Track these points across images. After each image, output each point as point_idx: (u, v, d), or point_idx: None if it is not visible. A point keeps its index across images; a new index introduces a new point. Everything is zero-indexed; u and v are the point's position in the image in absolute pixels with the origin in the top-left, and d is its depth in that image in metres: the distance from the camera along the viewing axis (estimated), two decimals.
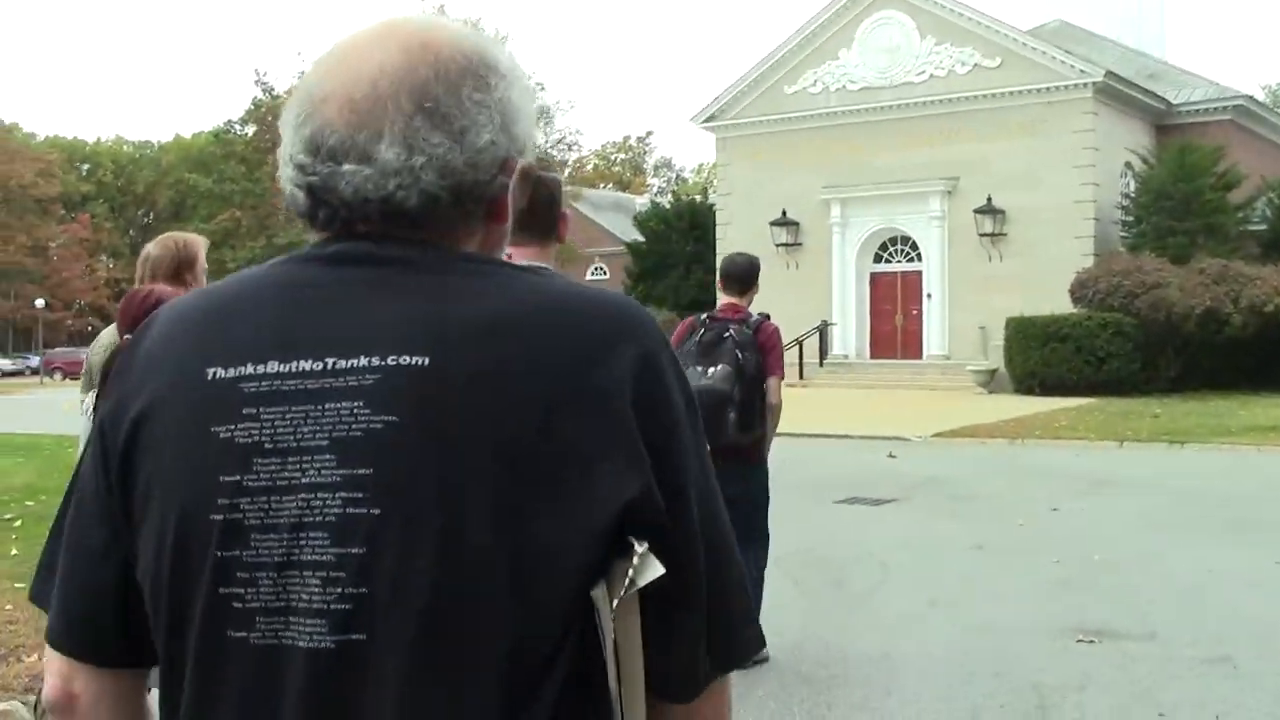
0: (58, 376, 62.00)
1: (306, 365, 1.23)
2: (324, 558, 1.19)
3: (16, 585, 7.48)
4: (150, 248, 4.77)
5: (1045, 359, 29.55)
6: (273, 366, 1.25)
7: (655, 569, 1.20)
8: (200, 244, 4.77)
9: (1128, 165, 35.23)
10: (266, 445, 1.23)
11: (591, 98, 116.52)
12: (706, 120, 40.46)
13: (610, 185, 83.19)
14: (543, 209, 3.09)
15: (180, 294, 2.90)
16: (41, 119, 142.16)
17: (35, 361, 69.38)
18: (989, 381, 31.47)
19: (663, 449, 1.24)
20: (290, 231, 62.01)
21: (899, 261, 37.50)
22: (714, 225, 40.74)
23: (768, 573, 7.17)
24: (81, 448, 2.09)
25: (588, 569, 1.19)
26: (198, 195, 71.99)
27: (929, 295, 36.17)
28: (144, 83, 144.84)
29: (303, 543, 1.20)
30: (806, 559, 9.68)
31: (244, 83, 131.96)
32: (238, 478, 1.23)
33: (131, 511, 1.29)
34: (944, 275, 35.79)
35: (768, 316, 6.61)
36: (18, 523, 10.68)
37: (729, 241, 38.69)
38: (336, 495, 1.19)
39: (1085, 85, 33.70)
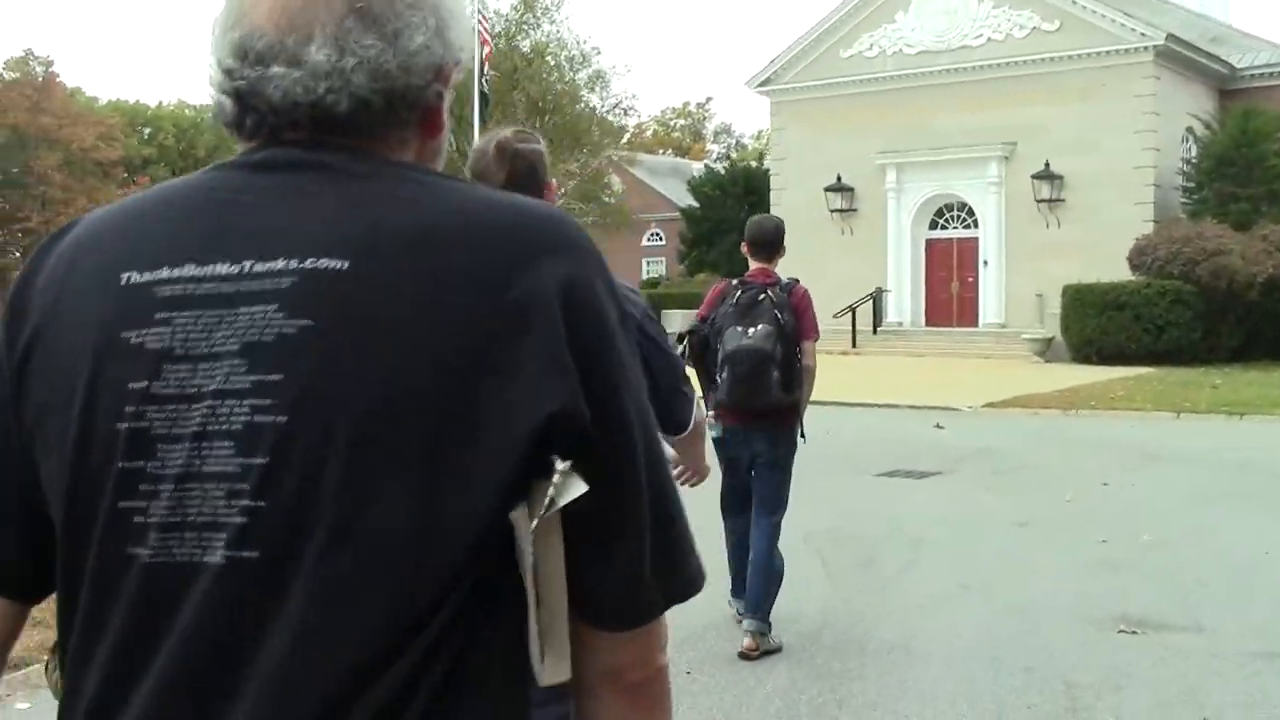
0: None
1: (223, 269, 1.20)
2: (227, 468, 1.15)
3: None
4: None
5: (1103, 327, 28.92)
6: (189, 270, 1.21)
7: (577, 487, 1.16)
8: None
9: (1189, 130, 34.43)
10: (178, 351, 1.19)
11: (649, 63, 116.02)
12: (761, 85, 39.94)
13: (669, 151, 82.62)
14: (523, 180, 3.06)
15: None
16: (104, 84, 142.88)
17: None
18: (1045, 350, 30.89)
19: (593, 363, 1.20)
20: None
21: (955, 228, 36.88)
22: (769, 191, 40.27)
23: (794, 550, 7.12)
24: None
25: (507, 486, 1.15)
26: None
27: (985, 262, 35.55)
28: (206, 46, 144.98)
29: (205, 452, 1.16)
30: (837, 536, 9.41)
31: None
32: (146, 384, 1.19)
33: (27, 422, 1.25)
34: (1000, 242, 35.16)
35: (797, 281, 6.57)
36: None
37: (784, 207, 38.35)
38: (244, 402, 1.15)
39: (1146, 49, 32.87)
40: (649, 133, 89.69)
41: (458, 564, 1.14)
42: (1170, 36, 33.26)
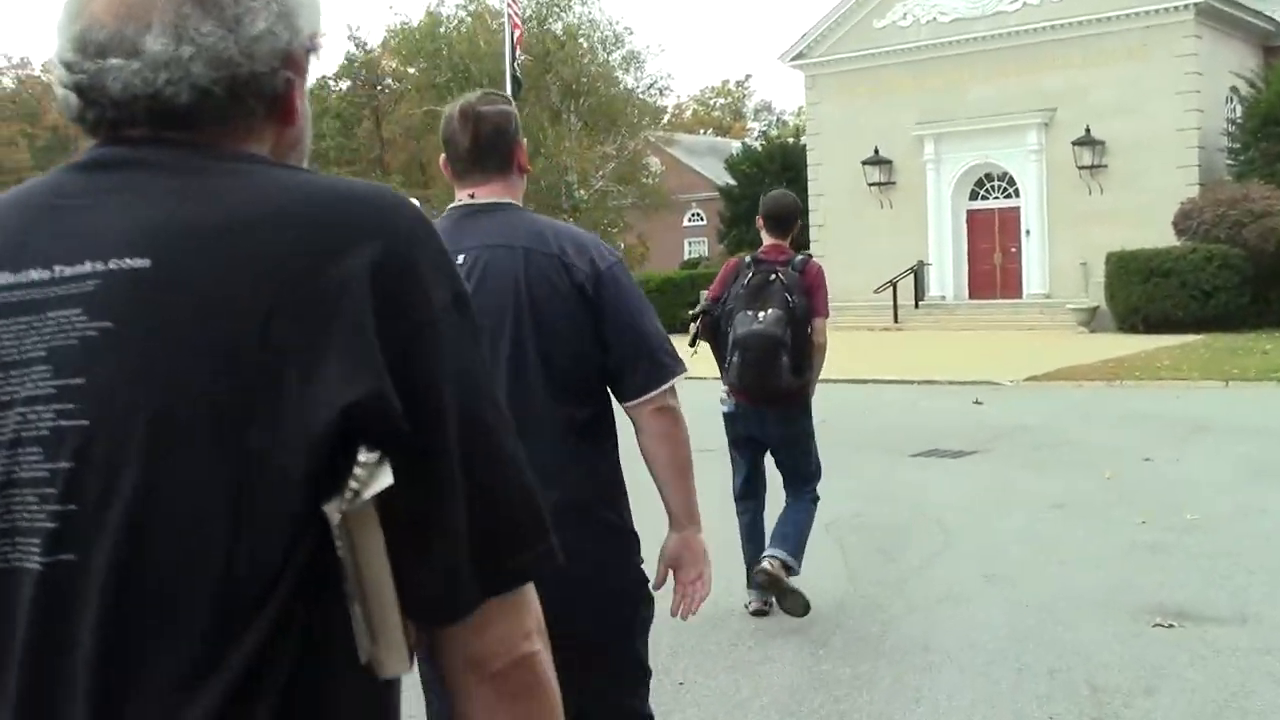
0: None
1: (36, 274, 1.20)
2: (38, 474, 1.15)
3: None
4: None
5: (1148, 295, 28.13)
6: (5, 278, 1.21)
7: (383, 479, 1.14)
8: None
9: (1233, 90, 33.55)
10: None
11: (684, 43, 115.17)
12: (795, 59, 39.42)
13: (710, 131, 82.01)
14: (489, 142, 3.00)
15: None
16: None
17: None
18: (1090, 320, 30.18)
19: (409, 350, 1.18)
20: (386, 185, 62.30)
21: (996, 198, 36.23)
22: (806, 166, 39.74)
23: (815, 541, 6.90)
24: None
25: (313, 480, 1.13)
26: None
27: (1027, 232, 34.91)
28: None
29: (20, 459, 1.16)
30: (861, 523, 8.96)
31: (338, 38, 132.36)
32: None
33: None
34: (1042, 211, 34.51)
35: (811, 256, 6.59)
36: None
37: (821, 183, 38.04)
38: (50, 407, 1.16)
39: (1187, 7, 32.00)
40: (689, 113, 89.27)
41: (275, 559, 1.12)
42: None
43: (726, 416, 6.60)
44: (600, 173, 49.43)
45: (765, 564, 6.35)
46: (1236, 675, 5.47)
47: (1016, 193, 35.42)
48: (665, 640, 5.51)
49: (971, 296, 36.13)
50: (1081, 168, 33.22)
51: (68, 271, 1.18)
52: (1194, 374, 19.06)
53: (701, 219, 57.22)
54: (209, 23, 1.22)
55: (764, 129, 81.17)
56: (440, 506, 1.20)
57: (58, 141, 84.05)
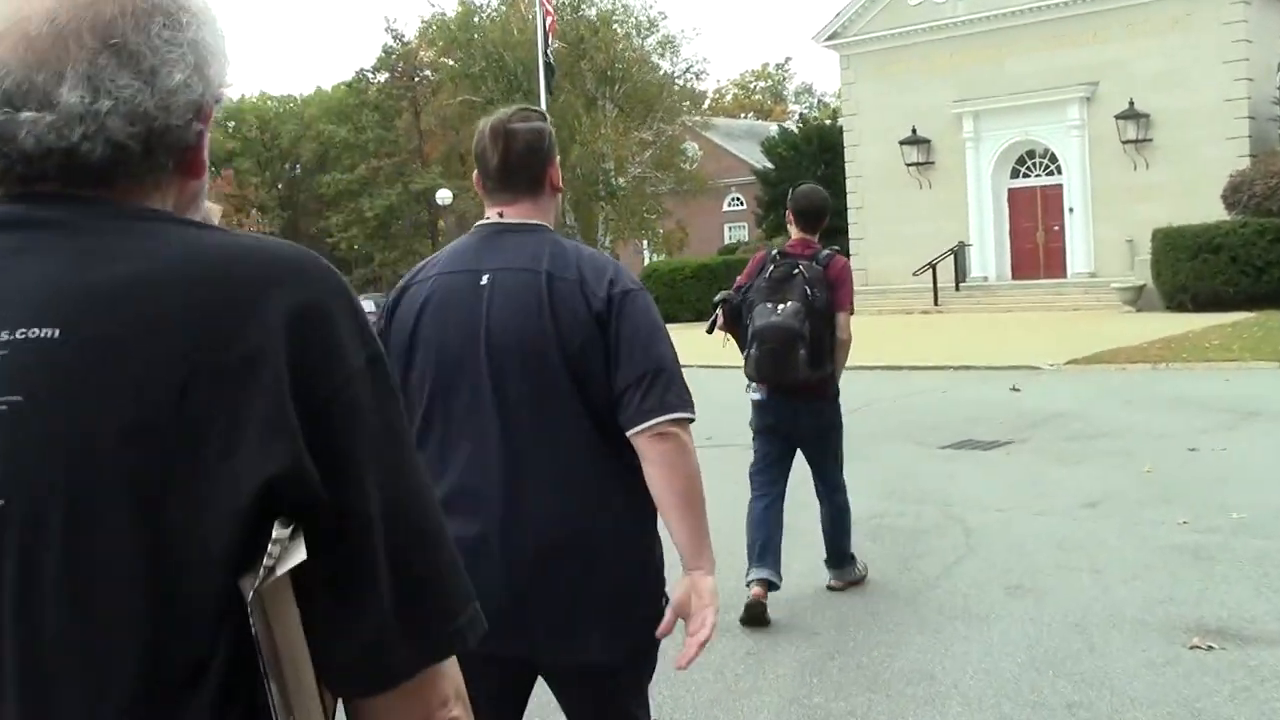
0: None
1: None
2: None
3: None
4: None
5: (1197, 272, 27.10)
6: None
7: (297, 553, 1.11)
8: (214, 211, 4.51)
9: None
10: None
11: (721, 26, 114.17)
12: (829, 38, 38.67)
13: (751, 115, 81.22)
14: (520, 161, 2.90)
15: None
16: None
17: None
18: (1136, 299, 29.19)
19: (325, 414, 1.15)
20: (426, 177, 62.16)
21: (1038, 175, 35.34)
22: (843, 148, 38.98)
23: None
24: None
25: (233, 557, 1.10)
26: (337, 146, 73.27)
27: (1071, 210, 34.01)
28: (286, 37, 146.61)
29: None
30: (879, 526, 8.31)
31: (376, 30, 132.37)
32: None
33: None
34: (1086, 187, 33.60)
35: (837, 251, 6.57)
36: None
37: (859, 164, 37.38)
38: None
39: None
40: (729, 97, 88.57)
41: (203, 637, 1.10)
42: None
43: (756, 405, 6.58)
44: (637, 159, 48.87)
45: (830, 581, 6.84)
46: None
47: (1059, 169, 34.56)
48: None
49: (1014, 277, 35.28)
50: (1126, 142, 32.32)
51: None
52: (1245, 355, 18.15)
53: (741, 203, 56.53)
54: (126, 74, 1.17)
55: (805, 111, 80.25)
56: (363, 574, 1.17)
57: None
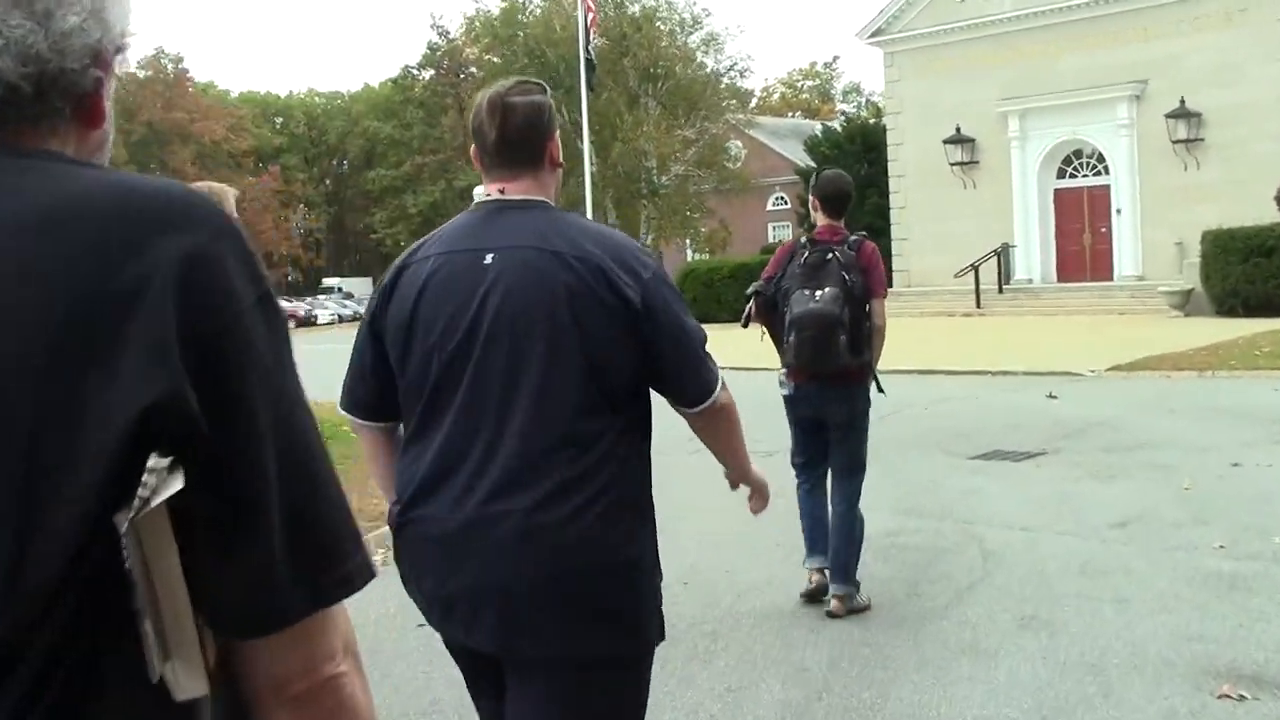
0: None
1: None
2: None
3: None
4: None
5: (1248, 275, 26.31)
6: None
7: (173, 484, 1.10)
8: (228, 193, 4.80)
9: None
10: None
11: (767, 24, 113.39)
12: (873, 35, 38.09)
13: (798, 113, 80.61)
14: (519, 135, 2.82)
15: None
16: (238, 77, 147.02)
17: None
18: (1185, 303, 28.36)
19: (213, 349, 1.13)
20: (470, 174, 62.04)
21: (1085, 175, 34.66)
22: (886, 147, 38.35)
23: None
24: None
25: (106, 488, 1.07)
26: (383, 142, 73.44)
27: (1118, 211, 33.33)
28: (335, 34, 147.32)
29: None
30: (892, 545, 7.74)
31: (423, 27, 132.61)
32: None
33: None
34: (1134, 188, 32.89)
35: (866, 236, 6.48)
36: None
37: (902, 163, 36.84)
38: None
39: None
40: (776, 96, 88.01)
41: (64, 574, 1.07)
42: None
43: (787, 399, 6.54)
44: (680, 157, 48.40)
45: (831, 604, 6.36)
46: None
47: (1106, 170, 33.90)
48: None
49: (1059, 279, 34.62)
50: (1176, 141, 31.61)
51: None
52: None
53: (785, 202, 55.89)
54: (17, 14, 1.16)
55: (853, 111, 79.55)
56: (248, 512, 1.15)
57: (153, 136, 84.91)
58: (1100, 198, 33.97)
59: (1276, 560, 6.97)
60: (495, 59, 52.54)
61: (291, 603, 1.18)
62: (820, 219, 6.47)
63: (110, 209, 1.14)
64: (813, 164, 45.98)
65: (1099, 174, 34.13)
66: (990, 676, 5.32)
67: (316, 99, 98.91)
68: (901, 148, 37.24)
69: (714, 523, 8.09)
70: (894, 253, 37.54)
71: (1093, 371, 17.95)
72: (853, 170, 43.02)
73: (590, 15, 34.93)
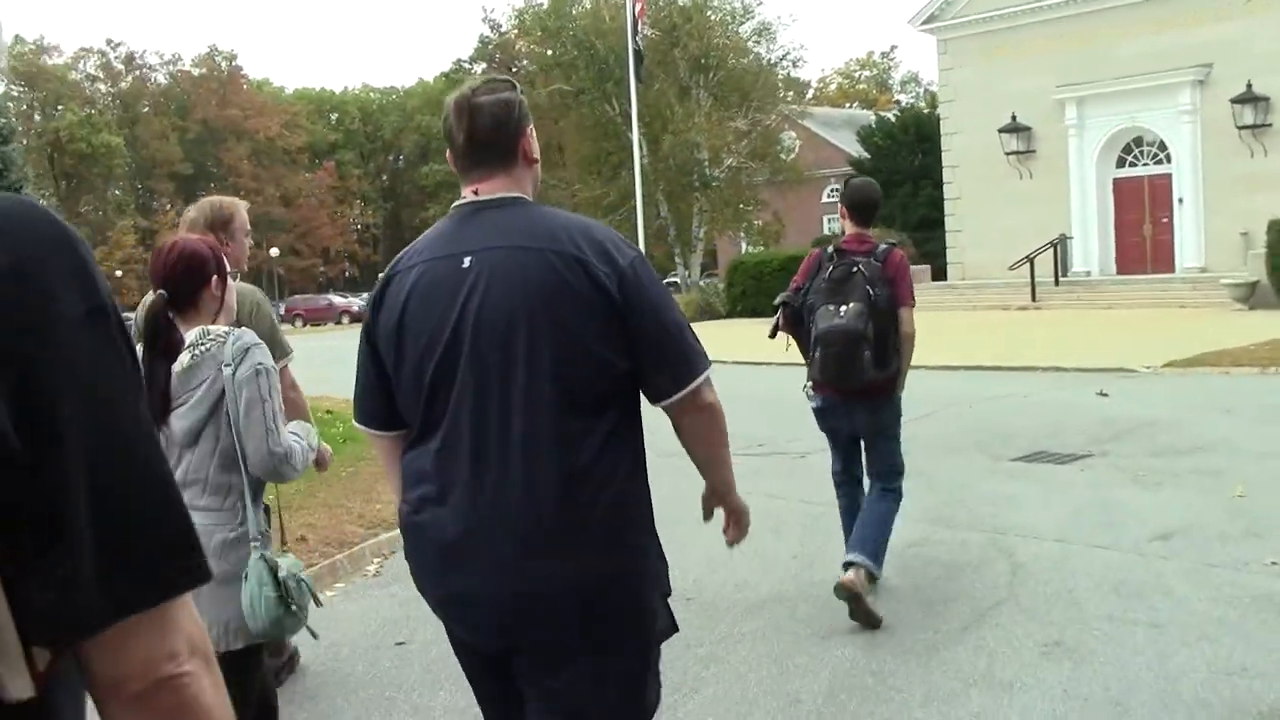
0: (298, 323, 63.31)
1: None
2: None
3: None
4: (190, 209, 5.13)
5: None
6: None
7: None
8: (238, 205, 4.96)
9: None
10: None
11: (820, 12, 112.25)
12: (926, 22, 37.27)
13: (856, 104, 79.67)
14: (487, 136, 2.79)
15: (207, 240, 3.74)
16: (291, 73, 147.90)
17: (280, 309, 70.73)
18: (1249, 296, 27.32)
19: (30, 363, 1.13)
20: None
21: (1145, 164, 33.61)
22: (940, 136, 37.54)
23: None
24: None
25: None
26: (438, 137, 73.26)
27: (1180, 200, 32.26)
28: (389, 29, 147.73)
29: None
30: (914, 557, 7.15)
31: (474, 20, 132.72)
32: None
33: None
34: (1197, 177, 31.80)
35: (894, 245, 6.48)
36: None
37: (955, 153, 36.09)
38: None
39: None
40: (833, 86, 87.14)
41: None
42: None
43: (815, 411, 6.55)
44: (733, 149, 47.72)
45: (849, 574, 6.00)
46: None
47: (1168, 158, 32.85)
48: None
49: (1119, 271, 33.64)
50: (1242, 128, 30.55)
51: None
52: None
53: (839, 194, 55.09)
54: None
55: (912, 100, 78.49)
56: (54, 520, 1.14)
57: (208, 134, 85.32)
58: (1161, 187, 32.94)
59: None
60: (547, 51, 52.07)
61: (99, 607, 1.15)
62: (849, 227, 6.44)
63: None
64: (866, 155, 45.25)
65: (1160, 162, 33.09)
66: (1002, 713, 4.69)
67: (371, 94, 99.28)
68: (956, 137, 36.38)
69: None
70: (948, 244, 36.76)
71: (1148, 368, 17.13)
72: (906, 161, 42.35)
73: (639, 6, 34.44)
